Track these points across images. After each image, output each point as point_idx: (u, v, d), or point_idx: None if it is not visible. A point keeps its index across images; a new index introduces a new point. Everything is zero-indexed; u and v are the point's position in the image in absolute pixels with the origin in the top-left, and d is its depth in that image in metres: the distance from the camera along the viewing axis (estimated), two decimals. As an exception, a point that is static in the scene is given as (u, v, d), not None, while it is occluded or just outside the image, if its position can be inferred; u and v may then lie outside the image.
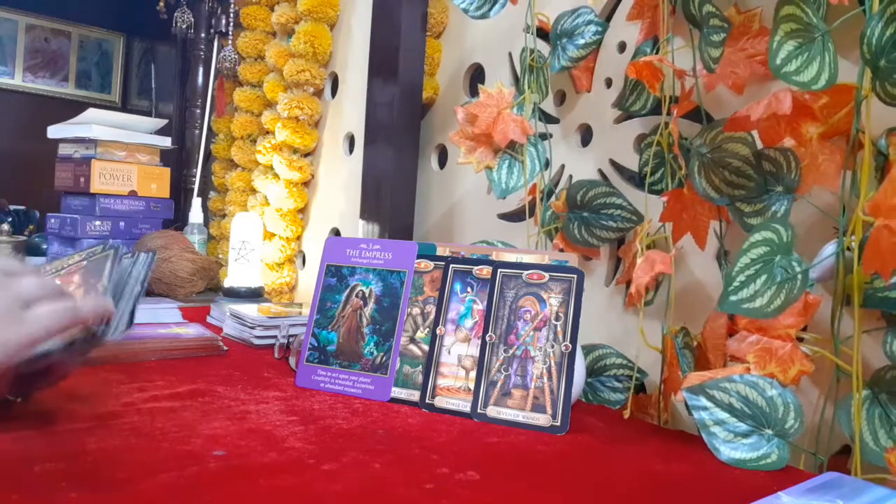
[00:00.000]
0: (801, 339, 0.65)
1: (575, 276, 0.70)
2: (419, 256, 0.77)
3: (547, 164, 0.97)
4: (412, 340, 0.74)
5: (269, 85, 1.53)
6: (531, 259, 0.73)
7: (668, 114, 0.78)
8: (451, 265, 0.75)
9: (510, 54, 1.08)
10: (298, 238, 1.53)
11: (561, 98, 1.00)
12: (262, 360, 0.88)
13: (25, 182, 2.14)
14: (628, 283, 0.88)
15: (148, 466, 0.49)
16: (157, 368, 0.80)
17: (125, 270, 0.61)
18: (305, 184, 1.51)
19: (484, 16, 0.93)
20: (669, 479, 0.56)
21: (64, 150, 1.48)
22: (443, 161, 1.24)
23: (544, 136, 0.98)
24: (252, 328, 0.97)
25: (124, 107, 2.57)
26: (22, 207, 2.03)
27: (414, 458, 0.56)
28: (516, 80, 1.07)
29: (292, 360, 0.85)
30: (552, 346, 0.68)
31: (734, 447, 0.61)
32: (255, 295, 1.31)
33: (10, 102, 2.35)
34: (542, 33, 0.96)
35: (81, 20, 2.48)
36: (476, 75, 1.18)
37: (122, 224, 1.46)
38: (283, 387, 0.75)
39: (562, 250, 0.90)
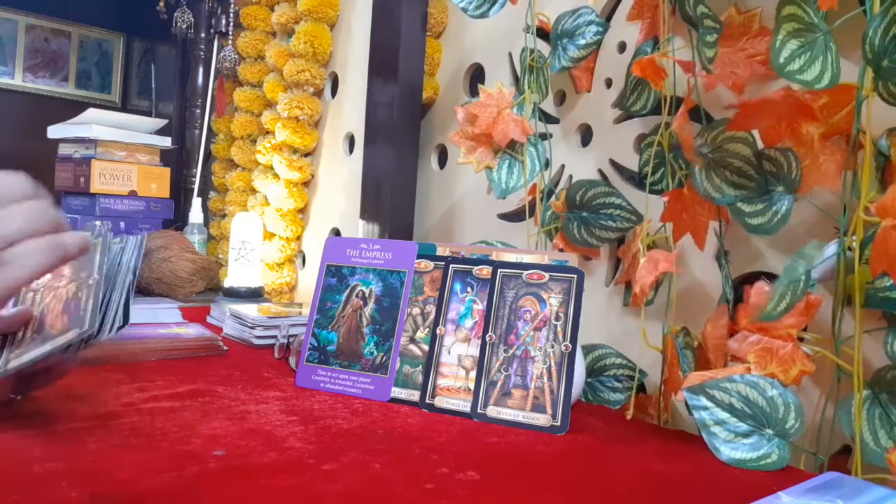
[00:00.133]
0: (801, 339, 0.65)
1: (575, 276, 0.70)
2: (419, 256, 0.77)
3: (547, 164, 0.97)
4: (412, 340, 0.74)
5: (269, 85, 1.53)
6: (531, 259, 0.73)
7: (670, 113, 0.78)
8: (451, 265, 0.75)
9: (510, 54, 1.08)
10: (298, 238, 1.53)
11: (561, 98, 1.00)
12: (262, 360, 0.88)
13: (25, 182, 2.13)
14: (628, 283, 0.88)
15: (148, 466, 0.49)
16: (157, 368, 0.80)
17: (115, 258, 0.59)
18: (305, 184, 1.51)
19: (483, 15, 0.93)
20: (669, 479, 0.56)
21: (64, 150, 1.48)
22: (443, 161, 1.24)
23: (544, 136, 0.98)
24: (252, 328, 0.97)
25: (124, 107, 2.57)
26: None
27: (414, 458, 0.55)
28: (516, 80, 1.07)
29: (292, 360, 0.85)
30: (552, 346, 0.68)
31: (734, 447, 0.61)
32: (255, 295, 1.31)
33: (10, 102, 2.35)
34: (542, 33, 0.96)
35: (81, 20, 2.48)
36: (476, 75, 1.18)
37: (122, 224, 1.46)
38: (283, 387, 0.75)
39: (562, 250, 0.90)
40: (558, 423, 0.65)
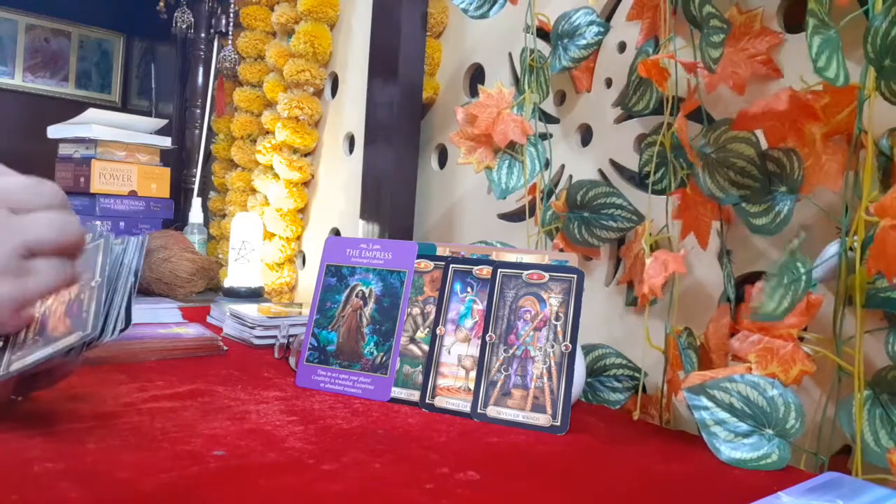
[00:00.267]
0: (802, 339, 0.65)
1: (575, 276, 0.70)
2: (419, 256, 0.77)
3: (547, 164, 0.97)
4: (412, 340, 0.74)
5: (269, 85, 1.53)
6: (531, 259, 0.73)
7: (672, 114, 0.78)
8: (451, 265, 0.75)
9: (510, 54, 1.08)
10: (298, 238, 1.53)
11: (561, 98, 1.00)
12: (262, 360, 0.88)
13: (25, 182, 2.13)
14: (629, 283, 0.88)
15: (148, 466, 0.49)
16: (157, 368, 0.79)
17: (116, 260, 0.59)
18: (305, 184, 1.51)
19: (483, 15, 0.93)
20: (669, 479, 0.56)
21: (64, 150, 1.48)
22: (443, 161, 1.23)
23: (544, 136, 0.98)
24: (252, 328, 0.97)
25: (124, 107, 2.57)
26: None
27: (414, 458, 0.55)
28: (516, 80, 1.07)
29: (292, 360, 0.85)
30: (552, 346, 0.68)
31: (735, 447, 0.60)
32: (255, 295, 1.31)
33: (10, 102, 2.35)
34: (543, 33, 0.96)
35: (81, 20, 2.48)
36: (476, 75, 1.18)
37: (122, 224, 1.46)
38: (283, 387, 0.75)
39: (562, 250, 0.90)
40: (558, 423, 0.65)
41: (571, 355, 0.67)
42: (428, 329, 0.74)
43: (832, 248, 0.64)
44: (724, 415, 0.62)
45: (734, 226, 0.76)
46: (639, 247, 0.80)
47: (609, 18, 0.93)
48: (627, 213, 0.85)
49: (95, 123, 1.42)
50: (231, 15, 1.70)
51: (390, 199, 1.19)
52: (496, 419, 0.67)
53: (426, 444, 0.59)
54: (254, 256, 1.32)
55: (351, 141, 1.40)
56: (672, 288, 0.79)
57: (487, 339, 0.70)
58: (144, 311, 1.10)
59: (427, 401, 0.70)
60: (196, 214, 1.57)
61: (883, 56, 0.56)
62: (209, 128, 1.84)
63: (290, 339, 0.90)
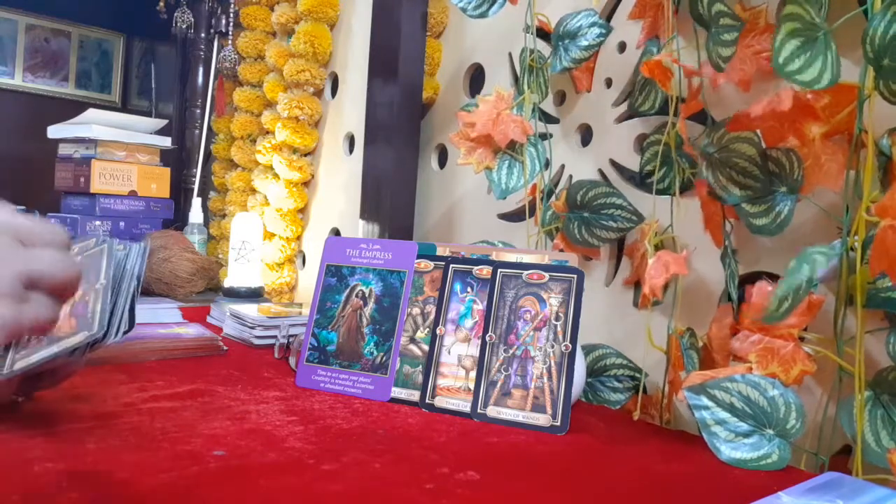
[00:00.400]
0: (803, 339, 0.65)
1: (575, 276, 0.70)
2: (419, 256, 0.77)
3: (547, 164, 0.97)
4: (412, 340, 0.74)
5: (269, 85, 1.53)
6: (531, 259, 0.73)
7: (676, 114, 0.77)
8: (451, 265, 0.75)
9: (510, 54, 1.08)
10: (298, 238, 1.53)
11: (561, 98, 1.00)
12: (262, 360, 0.88)
13: (25, 182, 2.14)
14: (636, 283, 0.88)
15: (148, 466, 0.49)
16: (157, 368, 0.79)
17: (119, 264, 0.59)
18: (305, 184, 1.51)
19: (482, 15, 0.93)
20: (670, 479, 0.56)
21: (64, 150, 1.48)
22: (443, 161, 1.23)
23: (544, 136, 0.98)
24: (252, 328, 0.97)
25: (124, 107, 2.57)
26: (22, 207, 2.02)
27: (414, 458, 0.55)
28: (516, 80, 1.07)
29: (292, 360, 0.85)
30: (552, 346, 0.68)
31: (735, 447, 0.60)
32: (255, 295, 1.31)
33: (10, 102, 2.35)
34: (542, 33, 0.96)
35: (81, 20, 2.48)
36: (476, 75, 1.18)
37: (122, 224, 1.45)
38: (283, 387, 0.75)
39: (562, 250, 0.90)
40: (558, 423, 0.65)
41: (571, 355, 0.67)
42: (428, 329, 0.74)
43: (833, 249, 0.64)
44: (724, 415, 0.62)
45: (737, 225, 0.76)
46: (644, 247, 0.80)
47: (609, 18, 0.93)
48: (627, 214, 0.85)
49: (95, 123, 1.42)
50: (231, 15, 1.70)
51: (390, 199, 1.19)
52: (496, 419, 0.67)
53: (426, 444, 0.59)
54: (254, 256, 1.32)
55: (351, 141, 1.40)
56: (675, 288, 0.79)
57: (487, 339, 0.70)
58: (144, 311, 1.10)
59: (427, 401, 0.70)
60: (196, 214, 1.56)
61: (882, 55, 0.56)
62: (209, 128, 1.84)
63: (290, 339, 0.90)
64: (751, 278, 0.74)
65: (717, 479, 0.57)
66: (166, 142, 1.55)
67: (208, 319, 1.15)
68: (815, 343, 0.65)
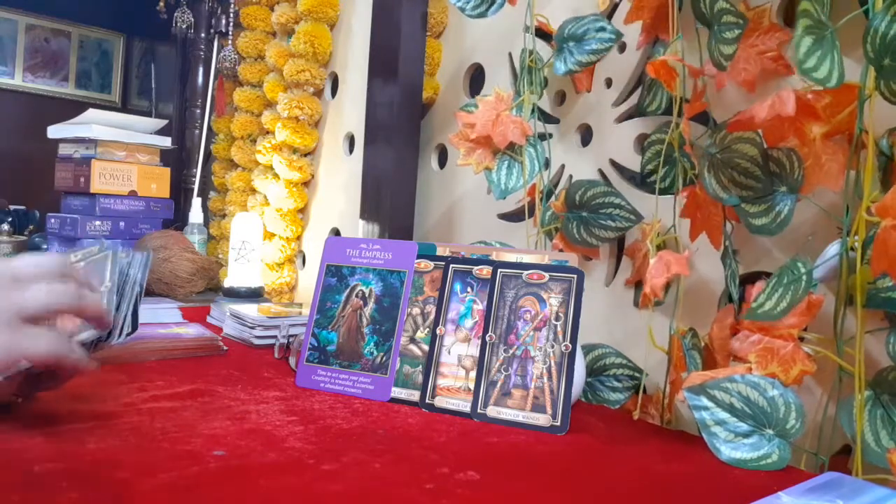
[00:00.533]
0: (803, 339, 0.65)
1: (575, 276, 0.70)
2: (419, 256, 0.77)
3: (547, 165, 0.97)
4: (412, 340, 0.74)
5: (269, 85, 1.53)
6: (531, 259, 0.73)
7: (680, 114, 0.77)
8: (451, 265, 0.75)
9: (510, 54, 1.08)
10: (298, 238, 1.53)
11: (561, 98, 1.00)
12: (262, 360, 0.88)
13: (25, 182, 2.14)
14: (637, 283, 0.88)
15: (148, 466, 0.49)
16: (157, 368, 0.79)
17: (123, 272, 0.61)
18: (305, 184, 1.51)
19: (481, 15, 0.93)
20: (669, 479, 0.56)
21: (64, 150, 1.48)
22: (443, 161, 1.23)
23: (543, 137, 0.98)
24: (252, 328, 0.97)
25: (124, 107, 2.57)
26: (22, 207, 2.02)
27: (414, 458, 0.55)
28: (516, 80, 1.07)
29: (292, 360, 0.85)
30: (552, 346, 0.68)
31: (735, 447, 0.60)
32: (255, 295, 1.30)
33: (10, 102, 2.35)
34: (542, 34, 0.96)
35: (81, 20, 2.48)
36: (476, 75, 1.18)
37: (122, 224, 1.45)
38: (283, 387, 0.75)
39: (561, 250, 0.90)
40: (558, 423, 0.65)
41: (571, 355, 0.67)
42: (428, 329, 0.74)
43: (833, 248, 0.64)
44: (724, 415, 0.62)
45: (738, 225, 0.76)
46: (646, 247, 0.80)
47: (609, 18, 0.93)
48: (626, 213, 0.85)
49: (95, 123, 1.42)
50: (231, 15, 1.70)
51: (390, 199, 1.19)
52: (496, 419, 0.67)
53: (426, 444, 0.59)
54: (254, 256, 1.32)
55: (351, 141, 1.40)
56: (676, 288, 0.79)
57: (487, 339, 0.70)
58: (145, 311, 1.09)
59: (427, 401, 0.70)
60: (196, 214, 1.56)
61: (883, 55, 0.56)
62: (209, 128, 1.84)
63: (290, 339, 0.90)
64: (752, 278, 0.74)
65: (717, 479, 0.57)
66: (166, 142, 1.55)
67: (208, 319, 1.15)
68: (815, 343, 0.65)
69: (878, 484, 0.53)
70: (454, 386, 0.70)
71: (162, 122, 1.58)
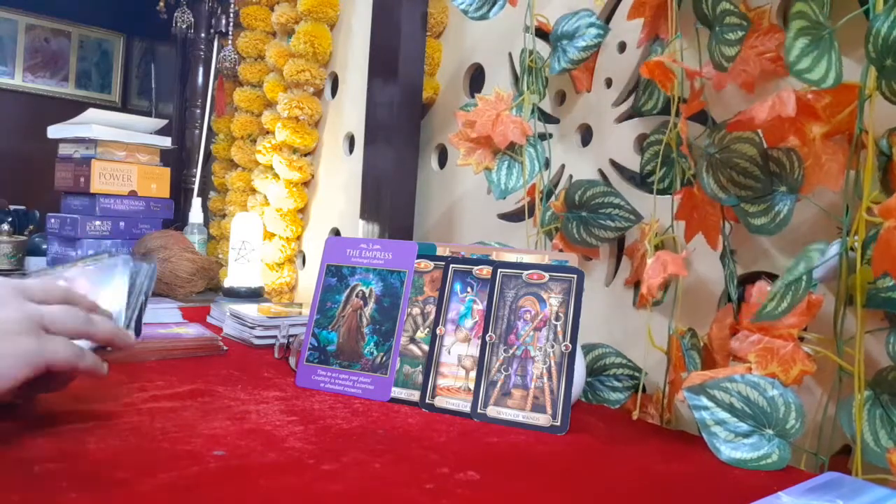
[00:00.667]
0: (802, 339, 0.65)
1: (575, 276, 0.70)
2: (419, 256, 0.77)
3: (546, 165, 0.97)
4: (412, 340, 0.74)
5: (269, 85, 1.53)
6: (531, 259, 0.73)
7: (678, 114, 0.77)
8: (451, 265, 0.75)
9: (510, 54, 1.08)
10: (298, 238, 1.53)
11: (561, 98, 1.00)
12: (262, 360, 0.88)
13: (25, 182, 2.14)
14: (636, 283, 0.88)
15: (148, 466, 0.49)
16: (157, 368, 0.79)
17: (131, 280, 0.63)
18: (305, 184, 1.51)
19: (483, 17, 0.93)
20: (670, 479, 0.56)
21: (64, 150, 1.48)
22: (443, 161, 1.23)
23: (543, 137, 0.98)
24: (252, 328, 0.97)
25: (124, 107, 2.57)
26: (22, 207, 2.02)
27: (414, 458, 0.55)
28: (516, 80, 1.07)
29: (292, 360, 0.85)
30: (552, 346, 0.68)
31: (735, 447, 0.60)
32: (255, 295, 1.30)
33: (10, 102, 2.35)
34: (542, 34, 0.96)
35: (81, 20, 2.48)
36: (476, 75, 1.18)
37: (122, 224, 1.45)
38: (283, 387, 0.75)
39: (561, 250, 0.90)
40: (558, 423, 0.65)
41: (571, 355, 0.67)
42: (428, 329, 0.74)
43: (833, 248, 0.64)
44: (724, 415, 0.62)
45: (737, 225, 0.76)
46: (644, 247, 0.80)
47: (609, 18, 0.93)
48: (625, 213, 0.85)
49: (95, 123, 1.42)
50: (231, 15, 1.70)
51: (390, 199, 1.19)
52: (496, 419, 0.67)
53: (426, 444, 0.59)
54: (254, 256, 1.32)
55: (351, 141, 1.40)
56: (675, 288, 0.79)
57: (487, 339, 0.70)
58: (145, 312, 1.10)
59: (427, 401, 0.70)
60: (196, 214, 1.56)
61: (885, 56, 0.56)
62: (209, 128, 1.84)
63: (290, 339, 0.90)
64: (752, 278, 0.74)
65: (717, 479, 0.57)
66: (166, 142, 1.55)
67: (208, 319, 1.15)
68: (815, 343, 0.65)
69: (878, 484, 0.53)
70: (454, 386, 0.70)
71: (162, 122, 1.58)
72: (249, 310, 1.02)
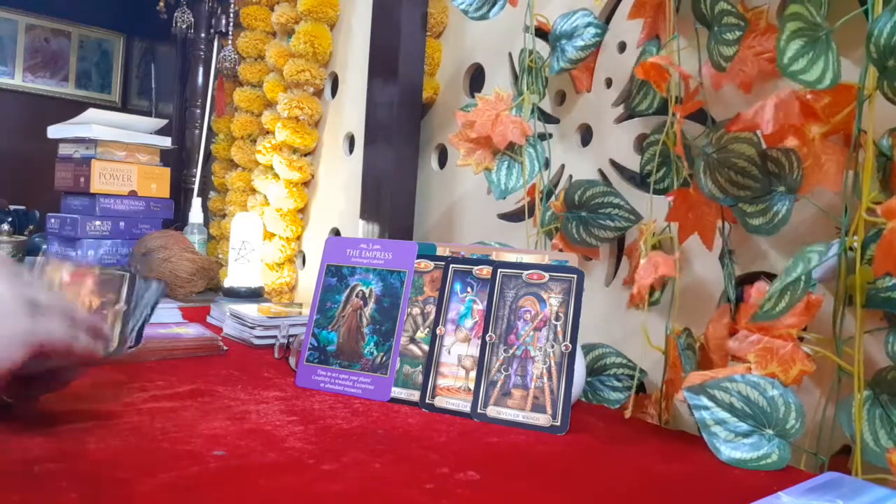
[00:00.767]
0: (802, 339, 0.65)
1: (575, 276, 0.70)
2: (419, 256, 0.77)
3: (546, 165, 0.97)
4: (412, 340, 0.74)
5: (269, 85, 1.53)
6: (531, 259, 0.73)
7: (675, 114, 0.77)
8: (451, 265, 0.75)
9: (510, 54, 1.08)
10: (298, 238, 1.53)
11: (561, 98, 1.00)
12: (262, 360, 0.88)
13: (25, 182, 2.14)
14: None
15: (148, 466, 0.49)
16: (157, 368, 0.80)
17: (138, 293, 0.65)
18: (305, 184, 1.51)
19: (483, 17, 0.93)
20: (669, 479, 0.56)
21: (64, 150, 1.48)
22: (443, 161, 1.23)
23: (543, 137, 0.98)
24: (252, 328, 0.97)
25: (124, 107, 2.57)
26: (22, 207, 2.02)
27: (414, 458, 0.55)
28: (516, 80, 1.07)
29: (292, 360, 0.85)
30: (552, 346, 0.68)
31: (735, 447, 0.60)
32: (255, 295, 1.30)
33: (10, 102, 2.35)
34: (542, 34, 0.96)
35: (81, 20, 2.48)
36: (476, 75, 1.18)
37: (122, 224, 1.45)
38: (283, 387, 0.75)
39: (561, 250, 0.90)
40: (558, 423, 0.65)
41: (571, 355, 0.67)
42: (428, 329, 0.74)
43: (832, 249, 0.64)
44: (724, 415, 0.62)
45: (736, 225, 0.76)
46: (640, 247, 0.80)
47: (609, 18, 0.93)
48: (625, 213, 0.85)
49: (95, 123, 1.42)
50: (231, 15, 1.70)
51: (390, 199, 1.19)
52: (496, 419, 0.67)
53: (426, 444, 0.59)
54: (254, 256, 1.32)
55: (351, 141, 1.40)
56: (672, 288, 0.79)
57: (487, 339, 0.70)
58: (144, 311, 1.10)
59: (427, 401, 0.70)
60: (196, 214, 1.56)
61: (886, 56, 0.56)
62: (209, 128, 1.84)
63: (290, 339, 0.90)
64: (751, 279, 0.74)
65: (717, 479, 0.57)
66: (166, 142, 1.55)
67: (208, 319, 1.15)
68: (815, 343, 0.65)
69: (878, 484, 0.53)
70: (454, 386, 0.70)
71: (162, 122, 1.58)
72: (249, 310, 1.02)
